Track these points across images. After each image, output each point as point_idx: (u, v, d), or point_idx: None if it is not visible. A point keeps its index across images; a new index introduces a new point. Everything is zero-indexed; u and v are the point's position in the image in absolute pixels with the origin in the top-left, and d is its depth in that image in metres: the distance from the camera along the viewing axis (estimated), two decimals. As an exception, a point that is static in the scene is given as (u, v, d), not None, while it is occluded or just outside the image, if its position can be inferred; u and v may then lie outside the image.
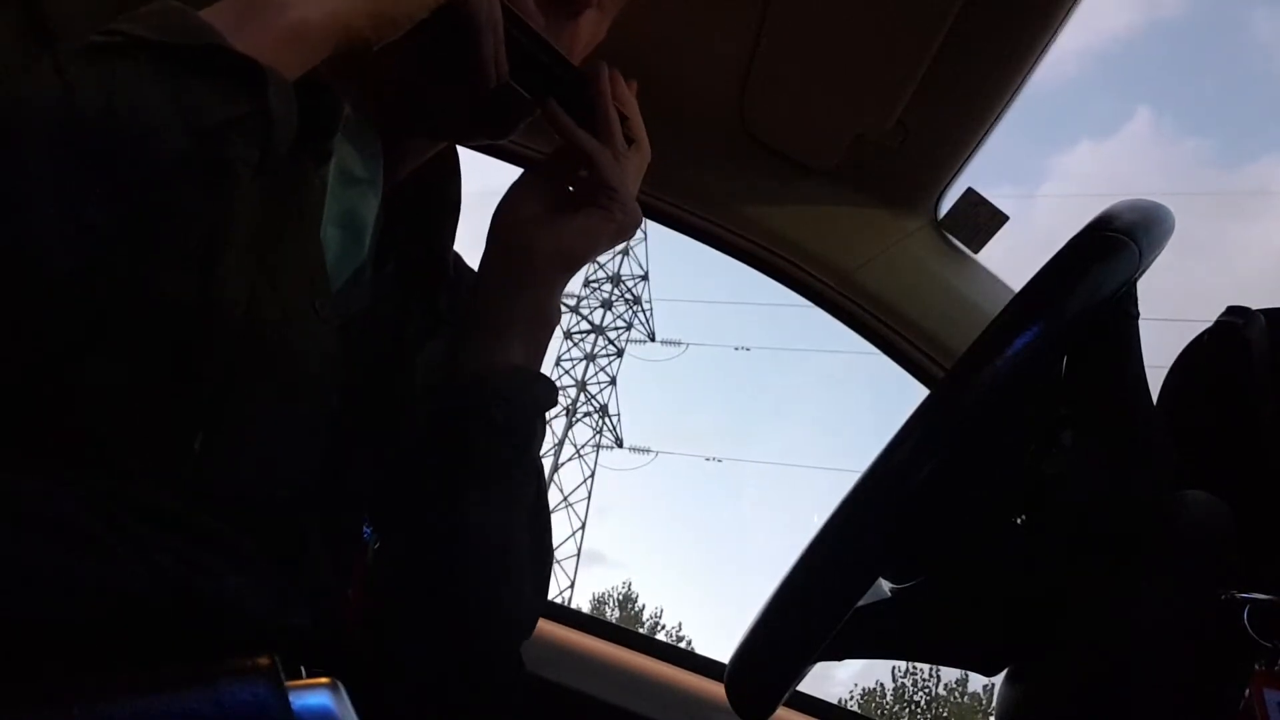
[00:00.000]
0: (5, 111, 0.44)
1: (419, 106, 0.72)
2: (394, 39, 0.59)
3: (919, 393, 1.20)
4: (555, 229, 0.71)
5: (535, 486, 0.73)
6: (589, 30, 0.76)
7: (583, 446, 31.86)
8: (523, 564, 0.71)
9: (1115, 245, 0.60)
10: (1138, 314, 0.68)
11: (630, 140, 0.75)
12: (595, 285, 31.87)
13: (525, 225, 0.72)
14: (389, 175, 0.72)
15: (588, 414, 31.92)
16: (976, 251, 1.25)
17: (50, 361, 0.48)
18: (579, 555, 30.44)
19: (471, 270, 0.83)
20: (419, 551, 0.68)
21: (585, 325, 31.70)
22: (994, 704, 0.73)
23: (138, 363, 0.52)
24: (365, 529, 0.70)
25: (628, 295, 31.90)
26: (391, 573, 0.70)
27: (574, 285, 31.76)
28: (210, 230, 0.53)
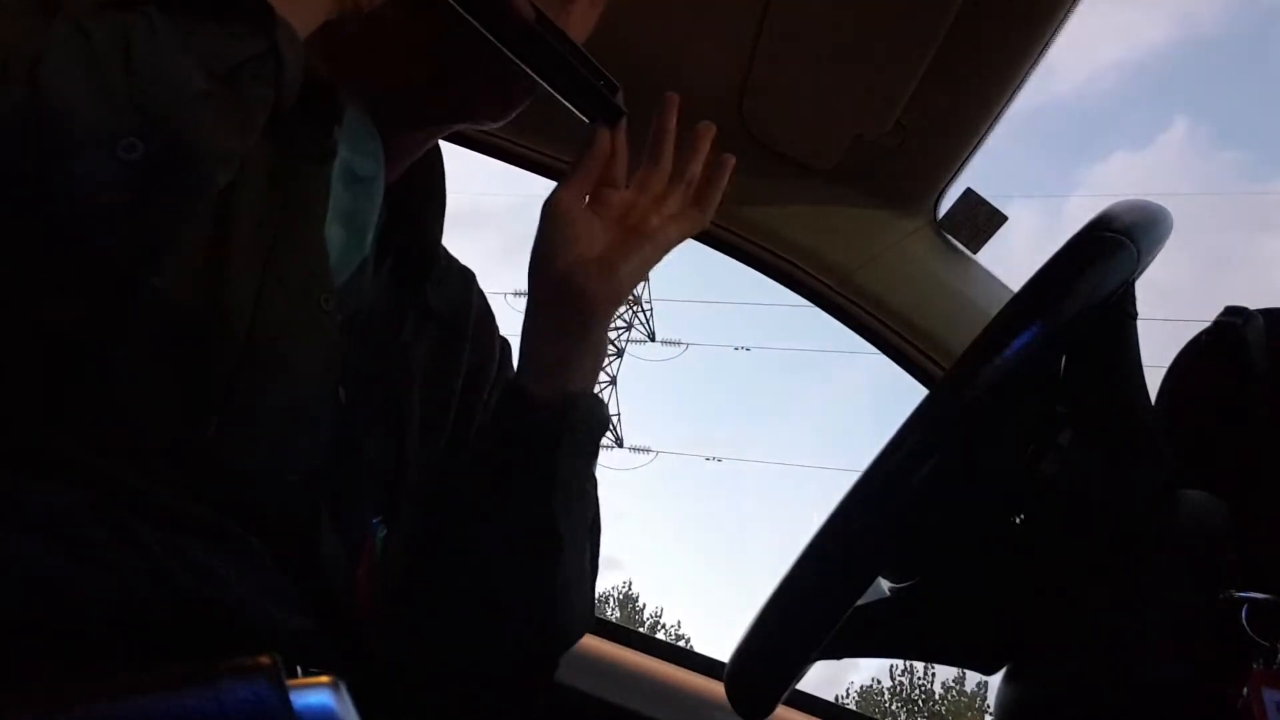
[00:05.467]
0: (29, 67, 0.45)
1: (417, 63, 0.70)
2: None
3: (918, 393, 1.20)
4: (608, 272, 0.72)
5: (596, 500, 0.77)
6: (580, 19, 0.75)
7: (583, 447, 31.73)
8: (584, 573, 0.76)
9: (1114, 245, 0.60)
10: (1136, 314, 0.68)
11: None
12: (595, 285, 31.76)
13: (575, 271, 0.71)
14: (387, 172, 0.72)
15: (587, 414, 31.78)
16: (975, 252, 1.25)
17: (88, 306, 0.52)
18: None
19: (462, 266, 0.86)
20: (513, 564, 0.72)
21: (585, 325, 31.56)
22: (991, 702, 0.73)
23: (152, 352, 0.54)
24: (374, 519, 0.71)
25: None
26: (443, 576, 0.73)
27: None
28: (217, 231, 0.56)
